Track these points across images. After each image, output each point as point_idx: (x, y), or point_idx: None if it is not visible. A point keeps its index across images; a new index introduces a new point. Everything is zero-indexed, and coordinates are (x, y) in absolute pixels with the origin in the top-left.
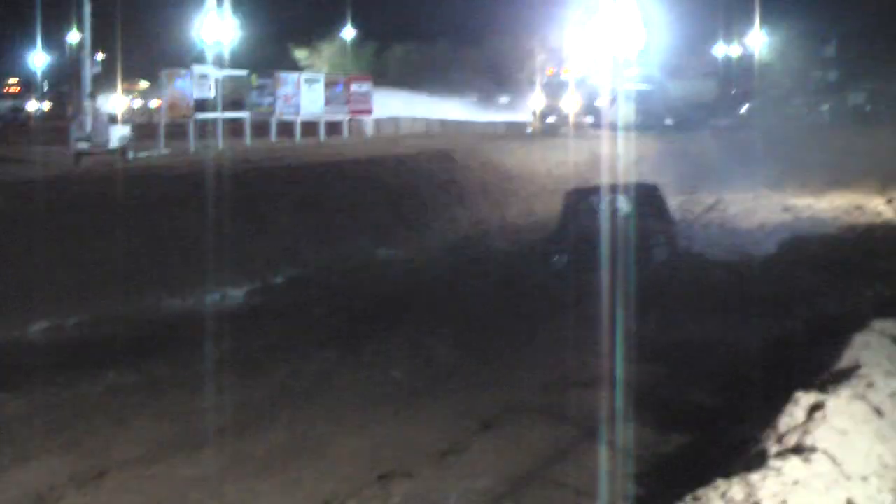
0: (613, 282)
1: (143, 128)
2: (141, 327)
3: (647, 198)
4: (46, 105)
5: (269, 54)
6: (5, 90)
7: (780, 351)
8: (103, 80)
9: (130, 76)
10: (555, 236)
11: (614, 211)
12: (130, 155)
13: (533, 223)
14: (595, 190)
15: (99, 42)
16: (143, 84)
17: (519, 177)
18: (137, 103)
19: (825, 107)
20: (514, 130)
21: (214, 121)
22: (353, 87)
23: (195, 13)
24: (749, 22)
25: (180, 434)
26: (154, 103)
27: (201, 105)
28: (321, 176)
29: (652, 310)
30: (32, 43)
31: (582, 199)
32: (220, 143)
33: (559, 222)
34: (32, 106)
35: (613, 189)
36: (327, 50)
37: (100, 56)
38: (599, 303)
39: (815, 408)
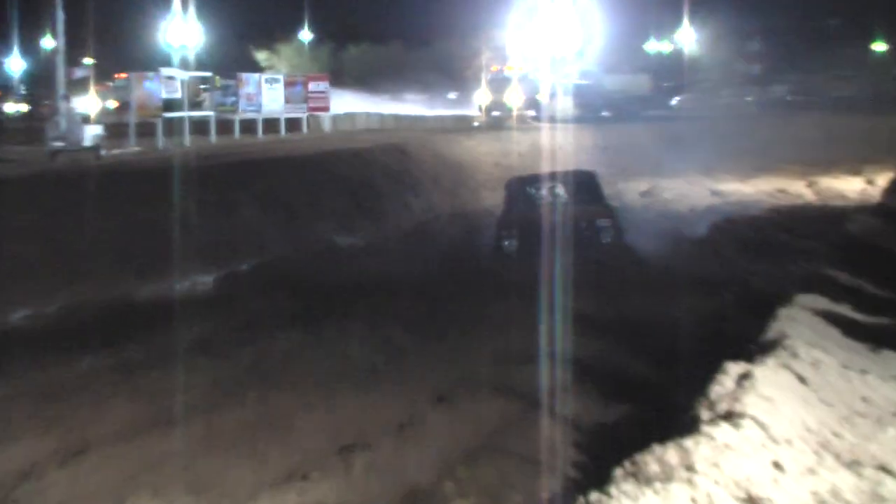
0: (557, 265)
1: (113, 127)
2: (116, 313)
3: (585, 184)
4: (23, 107)
5: (231, 56)
6: None
7: (711, 325)
8: (78, 84)
9: (104, 79)
10: (503, 222)
11: (554, 197)
12: (103, 152)
13: (481, 210)
14: (535, 178)
15: (72, 47)
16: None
17: (467, 167)
18: (112, 104)
19: (750, 98)
20: (463, 124)
21: (181, 119)
22: (311, 86)
23: (162, 18)
24: (678, 19)
25: (154, 413)
26: (112, 104)
27: (168, 105)
28: (283, 169)
29: (594, 290)
30: (9, 48)
31: (523, 187)
32: (187, 140)
33: (503, 209)
34: (9, 108)
35: (552, 177)
36: (286, 51)
37: (87, 61)
38: (544, 284)
39: (744, 377)
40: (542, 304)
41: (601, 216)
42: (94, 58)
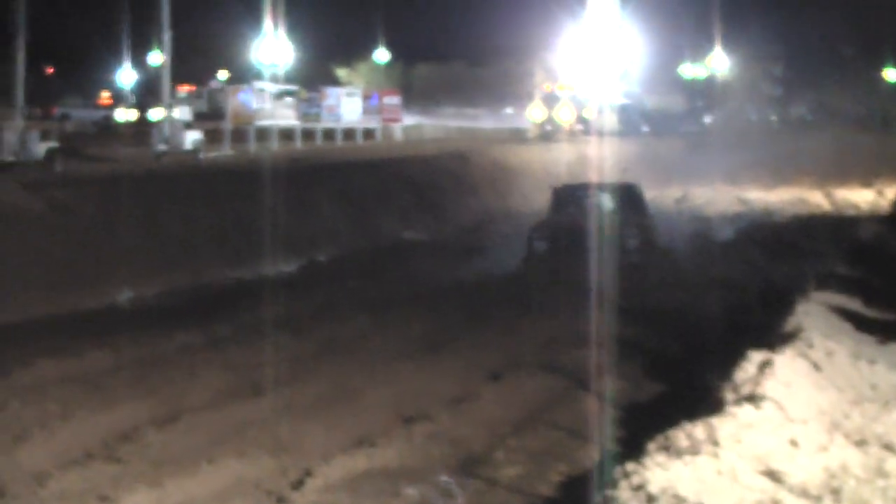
0: (593, 263)
1: (210, 133)
2: (209, 296)
3: (627, 194)
4: (132, 114)
5: (314, 72)
6: (99, 102)
7: (737, 317)
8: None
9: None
10: (539, 225)
11: (598, 205)
12: (201, 155)
13: (531, 212)
14: (582, 186)
15: (176, 62)
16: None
17: (521, 173)
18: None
19: (773, 117)
20: (517, 136)
21: (270, 127)
22: (385, 100)
23: (254, 36)
24: (711, 44)
25: (240, 384)
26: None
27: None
28: (358, 172)
29: (631, 286)
30: (120, 62)
31: (569, 194)
32: (275, 145)
33: (548, 213)
34: (120, 115)
35: (598, 186)
36: (363, 68)
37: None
38: (582, 280)
39: (765, 364)
40: (582, 297)
41: (637, 224)
42: (193, 71)
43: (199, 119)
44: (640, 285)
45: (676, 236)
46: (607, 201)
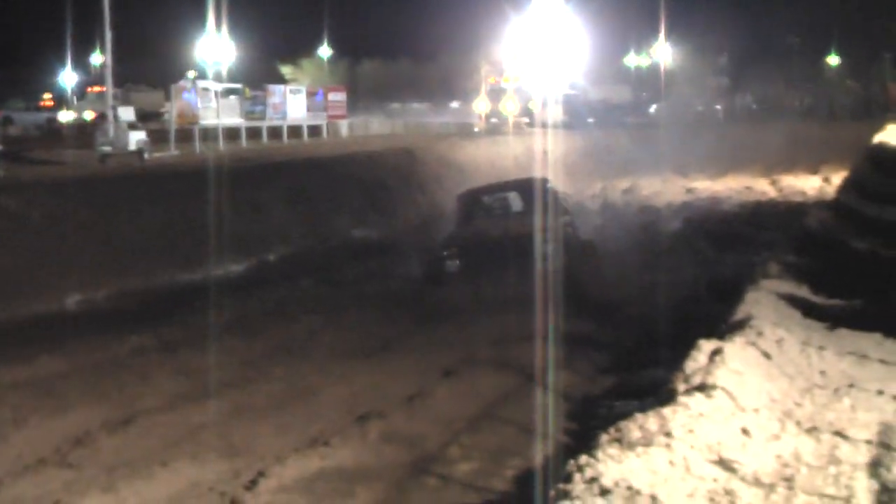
0: (510, 277)
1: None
2: (158, 299)
3: (538, 192)
4: (73, 116)
5: (259, 70)
6: (41, 104)
7: (686, 308)
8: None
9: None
10: (447, 241)
11: (506, 208)
12: (147, 156)
13: None
14: (487, 189)
15: (116, 62)
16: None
17: (468, 168)
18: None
19: (719, 107)
20: (464, 130)
21: (215, 126)
22: (331, 97)
23: (197, 35)
24: (655, 35)
25: (192, 387)
26: (89, 115)
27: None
28: (305, 170)
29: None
30: (63, 63)
31: (475, 200)
32: (221, 144)
33: (455, 225)
34: (64, 117)
35: (503, 187)
36: (308, 66)
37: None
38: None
39: (715, 353)
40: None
41: (554, 228)
42: (135, 70)
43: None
44: (582, 286)
45: (624, 226)
46: (516, 203)
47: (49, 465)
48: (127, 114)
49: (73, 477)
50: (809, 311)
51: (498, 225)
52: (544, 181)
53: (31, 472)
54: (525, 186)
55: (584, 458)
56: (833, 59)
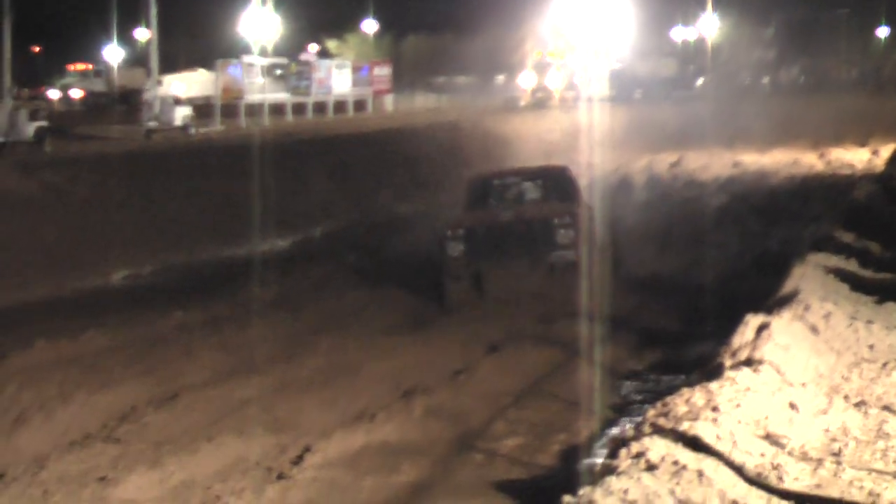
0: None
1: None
2: (204, 273)
3: (555, 180)
4: (59, 95)
5: (303, 45)
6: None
7: (733, 283)
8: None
9: (189, 65)
10: (453, 222)
11: (520, 195)
12: (192, 131)
13: None
14: (499, 175)
15: (161, 36)
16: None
17: (514, 142)
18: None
19: (766, 80)
20: (509, 105)
21: (261, 101)
22: (376, 71)
23: (242, 10)
24: (702, 7)
25: (237, 362)
26: (76, 93)
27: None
28: (350, 145)
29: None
30: (108, 38)
31: (485, 185)
32: (266, 119)
33: (462, 208)
34: (53, 94)
35: (518, 173)
36: (353, 40)
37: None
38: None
39: (763, 328)
40: None
41: (568, 214)
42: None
43: (96, 97)
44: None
45: (672, 200)
46: (532, 191)
47: (95, 440)
48: (174, 89)
49: (119, 452)
50: (857, 284)
51: (511, 210)
52: (564, 169)
53: (78, 447)
54: (543, 174)
55: (630, 433)
56: (882, 31)
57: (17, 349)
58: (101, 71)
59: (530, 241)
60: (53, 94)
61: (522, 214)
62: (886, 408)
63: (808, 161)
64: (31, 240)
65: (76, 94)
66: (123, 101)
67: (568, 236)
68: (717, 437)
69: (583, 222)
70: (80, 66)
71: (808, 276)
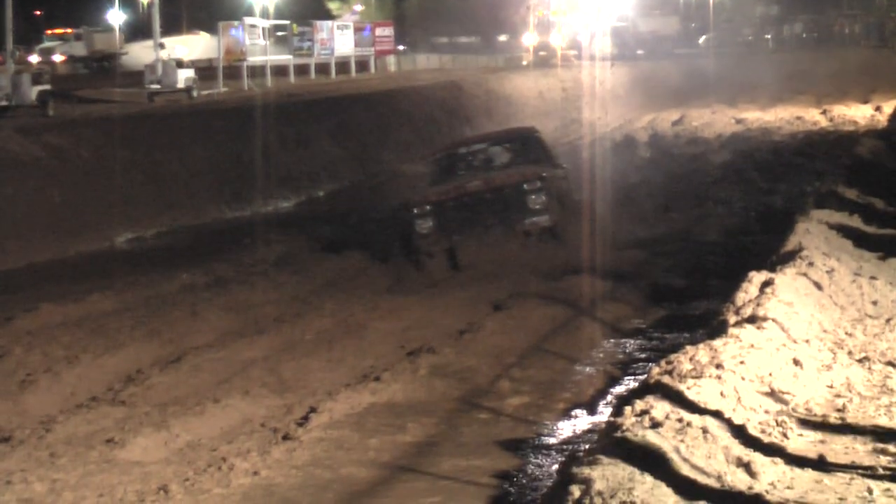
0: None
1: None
2: (208, 236)
3: (523, 143)
4: (123, 53)
5: (306, 6)
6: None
7: (737, 239)
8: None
9: (191, 28)
10: (419, 199)
11: (488, 162)
12: (195, 93)
13: None
14: (465, 142)
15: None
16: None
17: (517, 101)
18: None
19: (768, 36)
20: (512, 63)
21: (264, 63)
22: (378, 31)
23: None
24: None
25: (243, 323)
26: (58, 58)
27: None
28: (353, 105)
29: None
30: (111, 2)
31: (451, 155)
32: (269, 81)
33: (428, 182)
34: (34, 59)
35: (484, 139)
36: (355, 1)
37: None
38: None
39: (766, 284)
40: None
41: (531, 178)
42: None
43: (76, 62)
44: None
45: (675, 158)
46: (501, 156)
47: (102, 402)
48: (177, 52)
49: (125, 414)
50: (861, 240)
51: (478, 180)
52: (532, 130)
53: (85, 409)
54: (510, 138)
55: (634, 391)
56: None
57: (23, 312)
58: (81, 35)
59: (501, 209)
60: (33, 58)
61: (491, 182)
62: (890, 363)
63: (811, 117)
64: (36, 203)
65: (58, 58)
66: (99, 66)
67: (540, 200)
68: (722, 394)
69: (555, 184)
70: (59, 30)
71: (811, 233)
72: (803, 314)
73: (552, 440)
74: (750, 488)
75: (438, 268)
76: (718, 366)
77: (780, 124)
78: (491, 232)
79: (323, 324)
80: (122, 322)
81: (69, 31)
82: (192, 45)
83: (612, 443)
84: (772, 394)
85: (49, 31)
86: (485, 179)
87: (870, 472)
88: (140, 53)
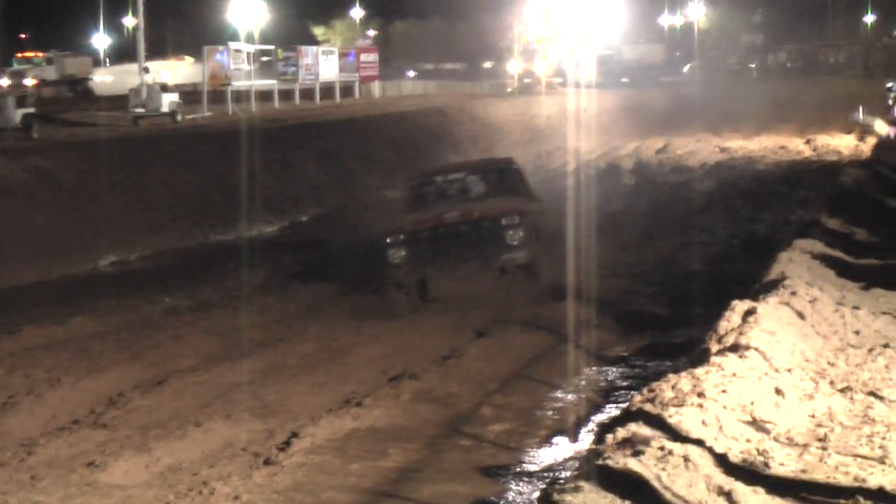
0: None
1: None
2: (192, 259)
3: (500, 174)
4: (108, 78)
5: (291, 31)
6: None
7: (720, 268)
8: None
9: (176, 52)
10: (392, 228)
11: (464, 193)
12: (179, 118)
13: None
14: (440, 171)
15: (149, 24)
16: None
17: (501, 128)
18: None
19: (753, 65)
20: (497, 90)
21: (248, 88)
22: (363, 57)
23: None
24: None
25: (226, 347)
26: (29, 81)
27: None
28: (337, 130)
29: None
30: (96, 26)
31: (426, 184)
32: (253, 106)
33: (402, 211)
34: (98, 78)
35: (460, 168)
36: (340, 27)
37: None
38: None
39: (749, 313)
40: None
41: (510, 213)
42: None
43: (46, 86)
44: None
45: (659, 186)
46: (477, 186)
47: (83, 425)
48: (161, 76)
49: (106, 437)
50: (844, 270)
51: (454, 211)
52: (509, 162)
53: (66, 432)
54: (487, 168)
55: (616, 418)
56: (868, 17)
57: (6, 334)
58: (52, 59)
59: (477, 243)
60: (3, 81)
61: (468, 214)
62: (872, 393)
63: (795, 147)
64: (20, 226)
65: (28, 82)
66: (70, 90)
67: (517, 236)
68: (704, 422)
69: (533, 220)
70: (30, 54)
71: (794, 261)
72: (786, 343)
73: (534, 467)
74: None
75: (407, 300)
76: (700, 394)
77: (764, 153)
78: (465, 265)
79: (306, 348)
80: (105, 345)
81: (40, 54)
82: (177, 70)
83: (593, 470)
84: (753, 423)
85: (20, 55)
86: (461, 211)
87: (851, 502)
88: (124, 78)
